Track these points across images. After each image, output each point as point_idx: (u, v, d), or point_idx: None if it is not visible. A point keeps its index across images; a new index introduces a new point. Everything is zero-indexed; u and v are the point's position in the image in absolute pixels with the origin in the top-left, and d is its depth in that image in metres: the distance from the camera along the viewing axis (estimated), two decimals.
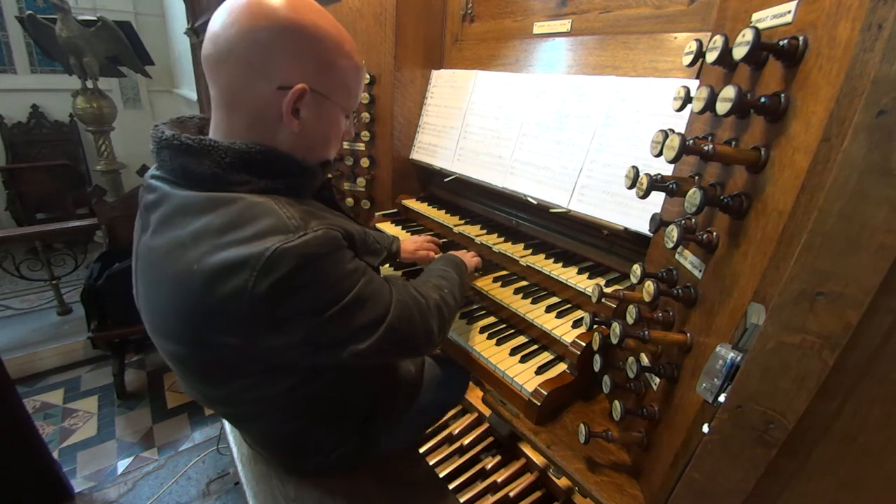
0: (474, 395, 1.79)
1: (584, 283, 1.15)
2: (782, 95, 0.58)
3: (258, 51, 0.69)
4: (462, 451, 1.68)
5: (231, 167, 0.70)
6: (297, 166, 0.77)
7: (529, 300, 1.22)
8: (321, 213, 0.74)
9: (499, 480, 1.51)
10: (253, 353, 0.72)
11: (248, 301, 0.64)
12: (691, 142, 0.63)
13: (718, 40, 0.63)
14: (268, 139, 0.75)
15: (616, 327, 0.79)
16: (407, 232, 1.65)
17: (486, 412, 1.75)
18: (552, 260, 1.28)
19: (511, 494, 1.47)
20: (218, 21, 0.71)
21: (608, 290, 0.92)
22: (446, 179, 1.63)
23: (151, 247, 0.74)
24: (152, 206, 0.74)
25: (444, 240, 1.53)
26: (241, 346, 0.70)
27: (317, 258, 0.67)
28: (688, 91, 0.74)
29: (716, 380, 0.57)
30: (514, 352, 1.14)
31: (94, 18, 3.12)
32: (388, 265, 1.52)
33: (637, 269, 0.84)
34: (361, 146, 1.79)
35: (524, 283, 1.32)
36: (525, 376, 1.06)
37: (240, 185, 0.70)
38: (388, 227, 1.70)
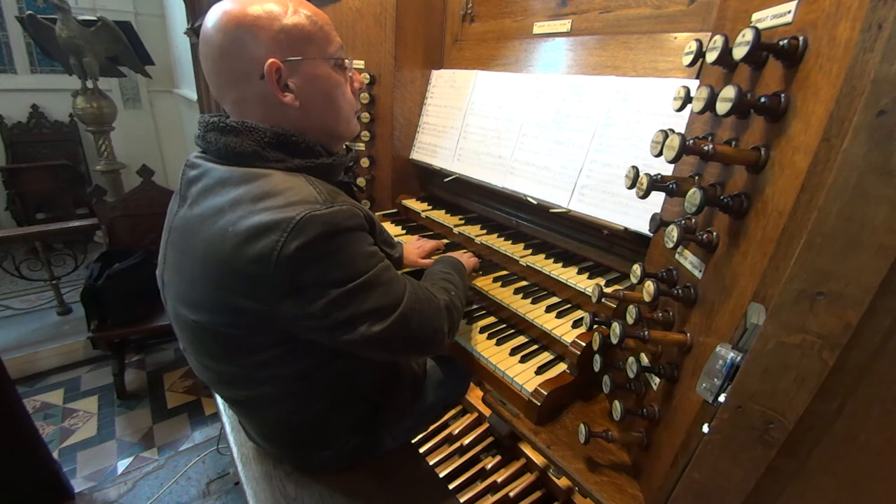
0: (474, 395, 1.79)
1: (584, 283, 1.15)
2: (782, 95, 0.58)
3: (231, 61, 0.78)
4: (462, 451, 1.68)
5: (269, 146, 0.79)
6: (324, 150, 0.86)
7: (529, 300, 1.22)
8: (345, 196, 0.80)
9: (499, 480, 1.51)
10: (272, 323, 0.76)
11: (275, 262, 0.68)
12: (691, 142, 0.63)
13: (718, 40, 0.63)
14: (282, 124, 0.81)
15: (616, 327, 0.79)
16: (403, 230, 1.65)
17: (486, 412, 1.75)
18: (552, 260, 1.28)
19: (511, 494, 1.47)
20: (202, 62, 0.81)
21: (608, 290, 0.92)
22: (446, 179, 1.63)
23: (188, 217, 0.79)
24: (194, 180, 0.81)
25: (445, 240, 1.53)
26: (263, 312, 0.74)
27: (342, 230, 0.72)
28: (688, 91, 0.74)
29: (716, 380, 0.57)
30: (514, 352, 1.14)
31: (94, 18, 3.12)
32: None
33: (637, 269, 0.84)
34: (361, 146, 1.79)
35: (524, 283, 1.32)
36: (525, 376, 1.06)
37: (276, 163, 0.78)
38: (388, 228, 1.70)
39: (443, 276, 1.07)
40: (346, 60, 0.89)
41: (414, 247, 1.40)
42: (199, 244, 0.75)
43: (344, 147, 0.97)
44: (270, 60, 0.77)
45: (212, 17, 0.78)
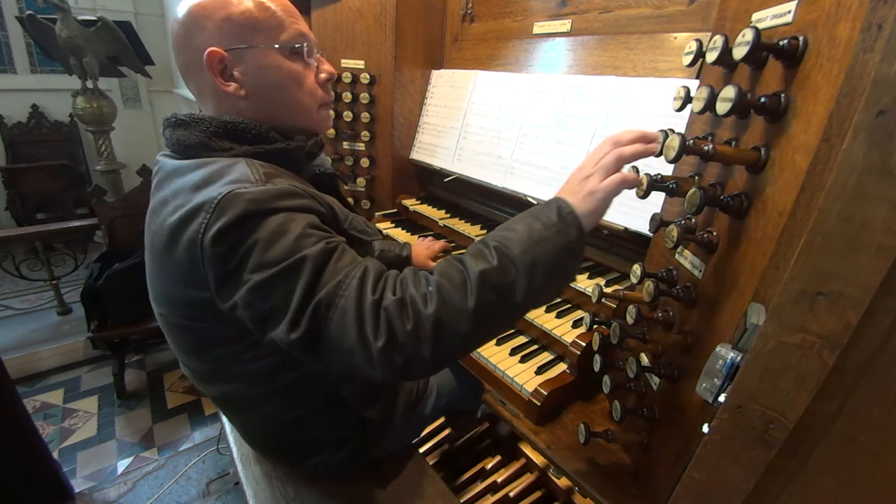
0: None
1: (584, 283, 1.15)
2: (782, 95, 0.58)
3: (186, 54, 0.79)
4: (462, 451, 1.68)
5: (215, 135, 0.77)
6: (276, 133, 0.81)
7: None
8: (297, 182, 0.76)
9: (499, 480, 1.51)
10: (222, 313, 0.70)
11: (201, 245, 0.65)
12: (691, 142, 0.63)
13: (718, 40, 0.63)
14: (234, 114, 0.80)
15: (616, 327, 0.79)
16: (402, 230, 1.65)
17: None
18: None
19: (511, 494, 1.47)
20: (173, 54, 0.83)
21: (608, 290, 0.92)
22: (446, 179, 1.63)
23: (149, 212, 0.79)
24: (154, 176, 0.82)
25: (445, 240, 1.53)
26: (209, 300, 0.69)
27: (269, 210, 0.65)
28: (688, 91, 0.74)
29: (716, 380, 0.57)
30: (514, 352, 1.14)
31: (94, 18, 3.11)
32: None
33: (637, 269, 0.84)
34: (361, 146, 1.79)
35: None
36: (525, 376, 1.06)
37: (224, 152, 0.76)
38: (389, 228, 1.70)
39: (497, 241, 0.68)
40: (305, 47, 0.82)
41: (423, 247, 1.39)
42: (149, 237, 0.76)
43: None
44: (210, 50, 0.75)
45: (178, 9, 0.78)
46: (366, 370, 0.62)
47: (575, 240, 0.68)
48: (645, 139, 0.71)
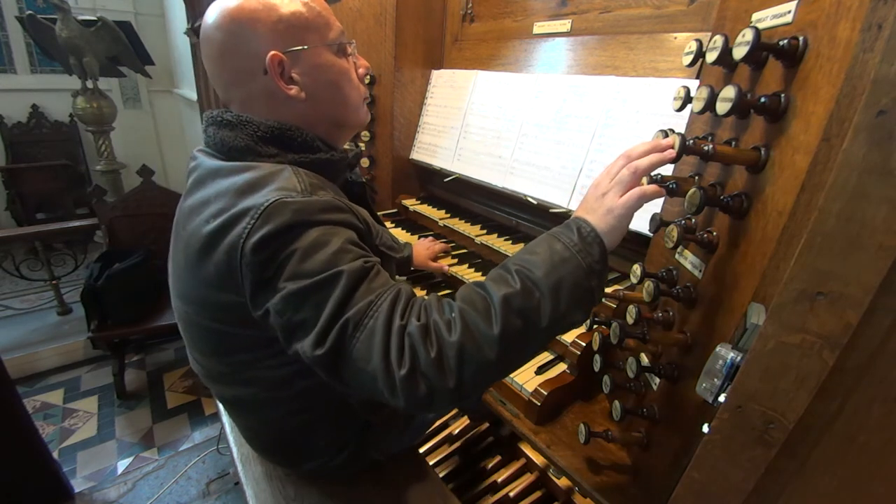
0: None
1: None
2: (782, 95, 0.58)
3: (233, 59, 0.77)
4: (462, 451, 1.68)
5: (262, 140, 0.76)
6: (320, 142, 0.82)
7: None
8: (337, 196, 0.76)
9: (499, 480, 1.51)
10: (251, 318, 0.71)
11: (241, 251, 0.65)
12: (691, 142, 0.63)
13: (718, 40, 0.63)
14: (290, 119, 0.79)
15: (616, 327, 0.79)
16: (402, 230, 1.65)
17: None
18: None
19: (511, 494, 1.47)
20: (205, 63, 0.80)
21: (608, 290, 0.92)
22: (446, 179, 1.63)
23: (182, 207, 0.79)
24: (191, 172, 0.81)
25: (444, 240, 1.53)
26: (240, 305, 0.70)
27: (313, 222, 0.66)
28: (688, 91, 0.74)
29: (716, 380, 0.57)
30: None
31: (94, 18, 3.12)
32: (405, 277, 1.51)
33: (637, 269, 0.84)
34: (361, 146, 1.79)
35: None
36: (525, 376, 1.06)
37: (269, 157, 0.76)
38: (389, 228, 1.69)
39: (518, 265, 0.68)
40: (349, 45, 0.85)
41: (423, 247, 1.39)
42: (184, 235, 0.75)
43: (350, 144, 0.94)
44: (272, 53, 0.74)
45: (210, 16, 0.76)
46: (388, 398, 0.61)
47: (598, 259, 0.67)
48: (658, 148, 0.69)
